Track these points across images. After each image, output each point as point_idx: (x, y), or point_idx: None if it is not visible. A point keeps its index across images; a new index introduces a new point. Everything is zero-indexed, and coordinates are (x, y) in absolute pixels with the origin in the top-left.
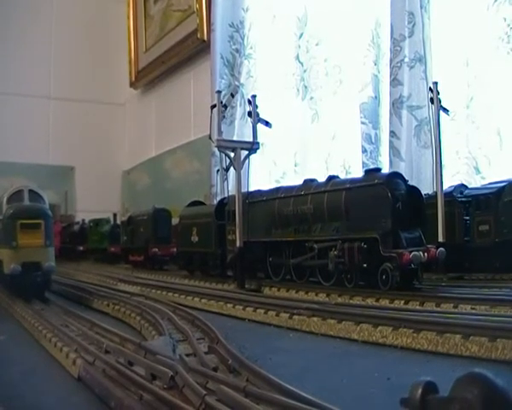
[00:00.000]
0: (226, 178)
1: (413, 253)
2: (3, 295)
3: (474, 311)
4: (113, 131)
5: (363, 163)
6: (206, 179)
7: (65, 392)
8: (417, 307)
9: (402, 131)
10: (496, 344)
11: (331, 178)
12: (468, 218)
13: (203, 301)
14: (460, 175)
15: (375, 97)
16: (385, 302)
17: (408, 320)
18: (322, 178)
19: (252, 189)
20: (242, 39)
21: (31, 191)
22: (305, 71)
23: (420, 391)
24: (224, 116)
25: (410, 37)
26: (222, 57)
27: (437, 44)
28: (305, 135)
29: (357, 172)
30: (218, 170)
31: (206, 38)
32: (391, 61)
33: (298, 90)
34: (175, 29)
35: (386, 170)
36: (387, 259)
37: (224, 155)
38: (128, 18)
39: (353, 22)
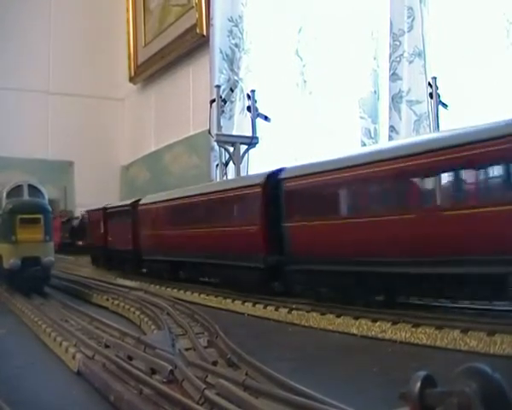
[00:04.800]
0: (225, 173)
1: None
2: (3, 289)
3: (472, 305)
4: (113, 126)
5: None
6: (205, 174)
7: (64, 386)
8: (416, 302)
9: (401, 125)
10: (494, 339)
11: None
12: None
13: (202, 295)
14: None
15: (375, 92)
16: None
17: (407, 315)
18: None
19: None
20: (242, 34)
21: (30, 186)
22: (304, 65)
23: (418, 385)
24: (223, 111)
25: (409, 31)
26: (221, 52)
27: (436, 39)
28: (304, 129)
29: None
30: (217, 165)
31: (205, 32)
32: (390, 55)
33: (297, 84)
34: (174, 24)
35: None
36: None
37: (223, 150)
38: (127, 12)
39: (352, 17)
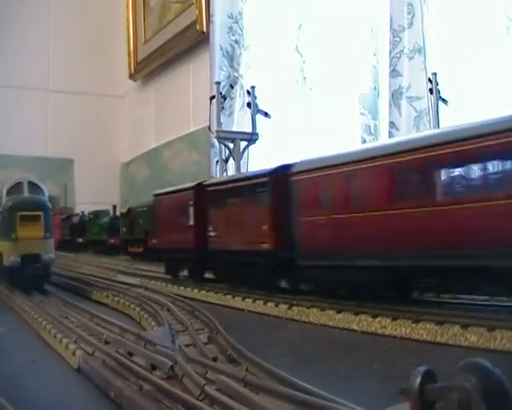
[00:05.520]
0: (225, 170)
1: None
2: (3, 287)
3: (473, 301)
4: (112, 123)
5: None
6: (205, 171)
7: (64, 383)
8: (416, 297)
9: (401, 121)
10: (494, 334)
11: None
12: None
13: (202, 292)
14: None
15: (375, 88)
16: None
17: (407, 311)
18: None
19: None
20: (241, 30)
21: (30, 183)
22: (304, 62)
23: (419, 380)
24: (223, 107)
25: (409, 28)
26: (221, 48)
27: (436, 35)
28: (304, 126)
29: None
30: (217, 161)
31: (205, 29)
32: (390, 52)
33: (297, 81)
34: (174, 20)
35: None
36: None
37: (223, 146)
38: (127, 9)
39: (352, 13)
